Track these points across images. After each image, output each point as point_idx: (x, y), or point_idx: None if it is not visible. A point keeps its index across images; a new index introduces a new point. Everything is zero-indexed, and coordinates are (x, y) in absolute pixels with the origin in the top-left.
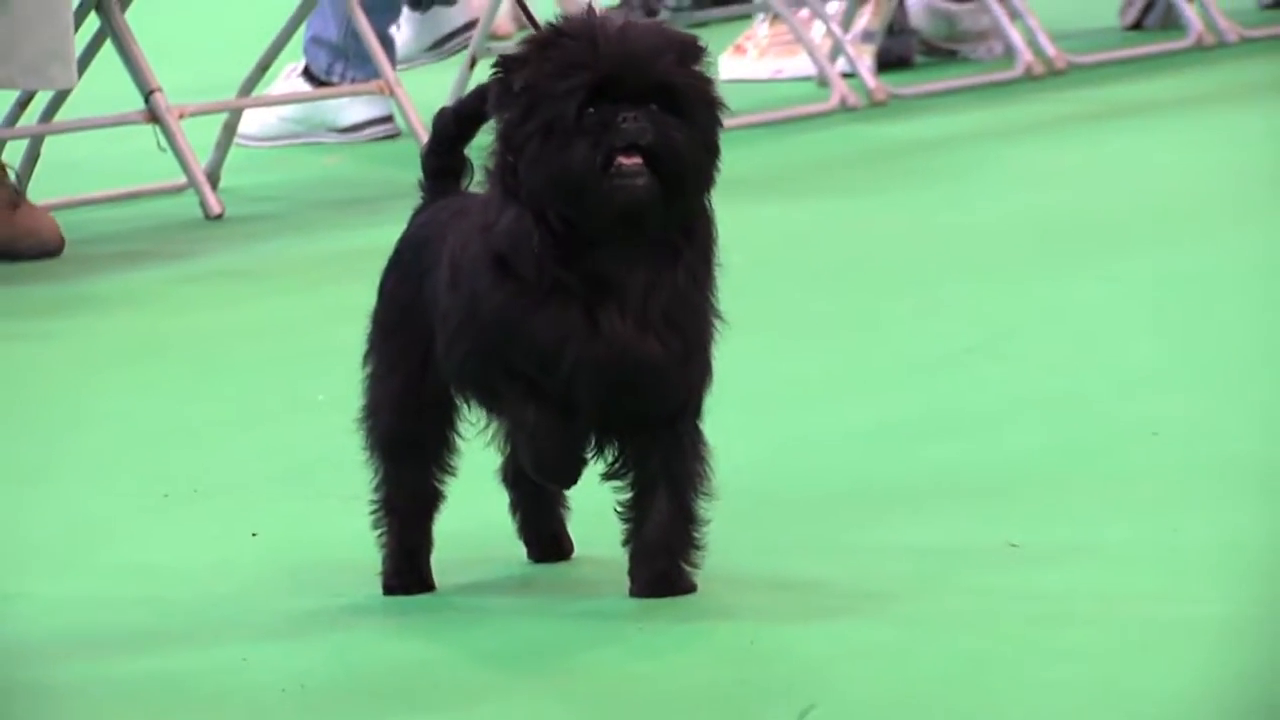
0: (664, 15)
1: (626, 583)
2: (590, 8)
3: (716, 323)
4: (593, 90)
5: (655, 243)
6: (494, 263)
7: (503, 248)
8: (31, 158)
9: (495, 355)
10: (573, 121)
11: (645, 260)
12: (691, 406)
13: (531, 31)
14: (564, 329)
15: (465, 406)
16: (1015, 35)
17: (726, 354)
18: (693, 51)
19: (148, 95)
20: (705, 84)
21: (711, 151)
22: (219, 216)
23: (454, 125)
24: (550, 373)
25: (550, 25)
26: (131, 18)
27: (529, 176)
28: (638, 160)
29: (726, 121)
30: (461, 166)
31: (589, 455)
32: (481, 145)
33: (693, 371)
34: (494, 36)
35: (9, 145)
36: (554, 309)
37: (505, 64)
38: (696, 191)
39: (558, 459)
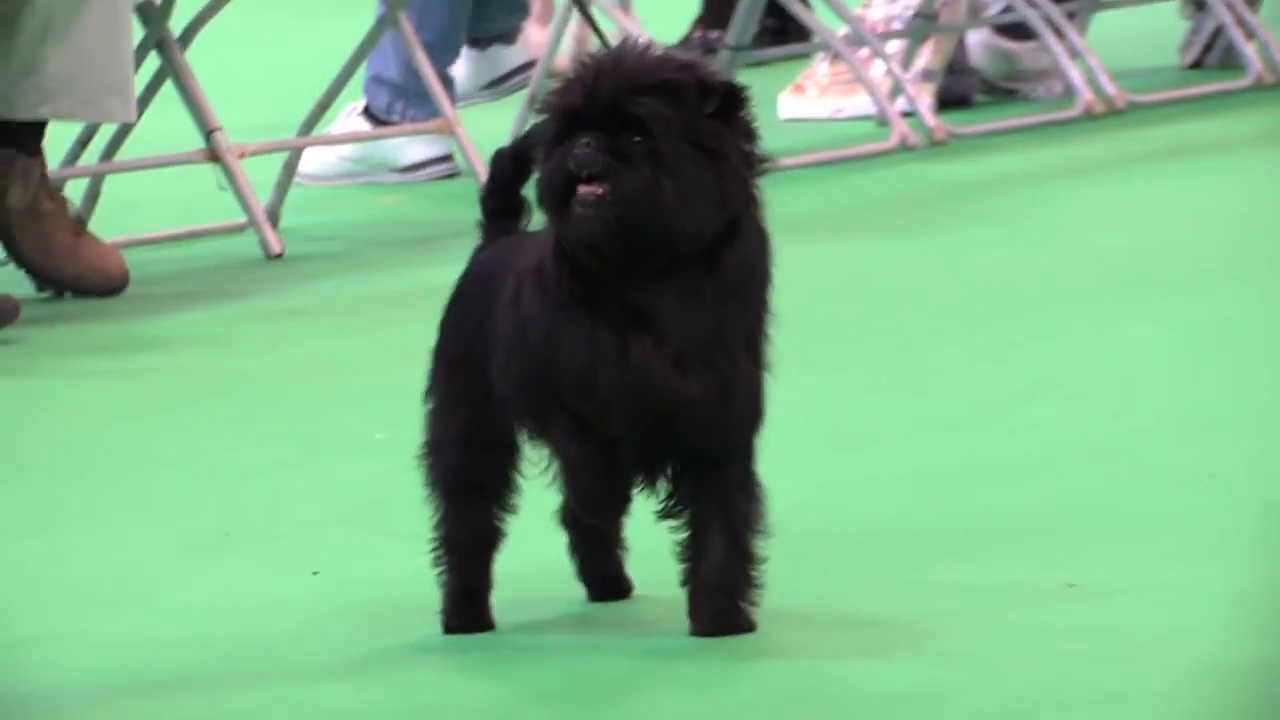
0: (723, 54)
1: (686, 622)
2: (625, 41)
3: (763, 365)
4: (565, 118)
5: (679, 274)
6: (540, 285)
7: (539, 262)
8: (92, 196)
9: (541, 376)
10: (545, 154)
11: (671, 291)
12: (743, 448)
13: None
14: (595, 351)
15: (526, 444)
16: (1075, 74)
17: (781, 394)
18: (682, 87)
19: (208, 134)
20: (689, 123)
21: (688, 193)
22: (279, 256)
23: (510, 165)
24: (585, 399)
25: (583, 58)
26: (192, 56)
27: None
28: (594, 190)
29: (786, 161)
30: (520, 206)
31: (638, 492)
32: None
33: (734, 411)
34: (554, 75)
35: (70, 184)
36: (584, 329)
37: (544, 96)
38: (656, 228)
39: (599, 494)
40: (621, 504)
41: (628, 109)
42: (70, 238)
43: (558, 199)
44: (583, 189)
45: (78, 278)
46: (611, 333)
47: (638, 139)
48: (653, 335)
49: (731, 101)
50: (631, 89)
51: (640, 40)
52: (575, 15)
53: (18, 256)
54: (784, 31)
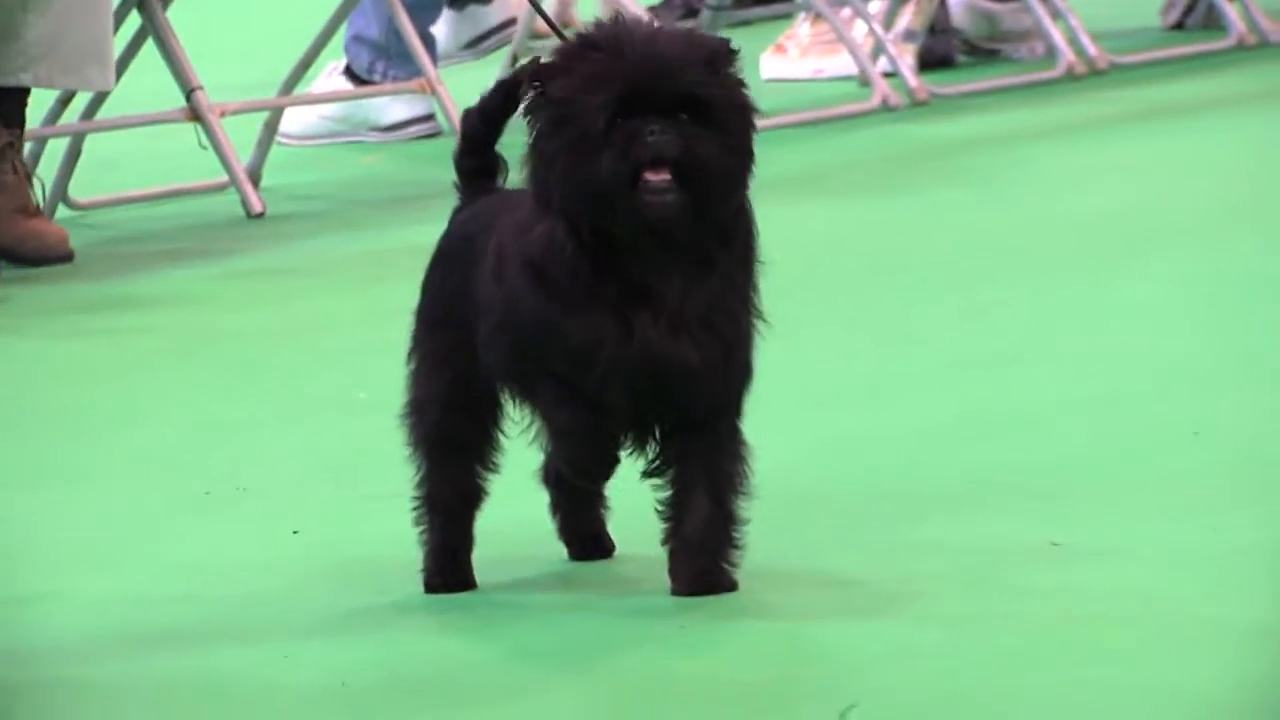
0: (705, 14)
1: (667, 581)
2: (618, 16)
3: (756, 324)
4: (620, 104)
5: (690, 249)
6: (528, 267)
7: (536, 256)
8: (72, 155)
9: (532, 353)
10: (600, 136)
11: (680, 267)
12: (731, 407)
13: (562, 41)
14: (597, 333)
15: (509, 404)
16: (1057, 35)
17: (766, 354)
18: (722, 57)
19: (189, 93)
20: (734, 90)
21: (743, 158)
22: (260, 215)
23: (481, 125)
24: (584, 375)
25: (579, 36)
26: (173, 15)
27: (559, 191)
28: (665, 175)
29: (767, 121)
30: (495, 164)
31: (628, 454)
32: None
33: (731, 374)
34: (535, 35)
35: (50, 143)
36: (588, 314)
37: (537, 75)
38: (727, 201)
39: (590, 458)
40: (611, 466)
41: (689, 90)
42: (20, 214)
43: (623, 185)
44: (653, 177)
45: (17, 241)
46: (614, 313)
47: (684, 117)
48: (653, 307)
49: (733, 56)
50: (680, 67)
51: (636, 15)
52: None
53: None
54: None
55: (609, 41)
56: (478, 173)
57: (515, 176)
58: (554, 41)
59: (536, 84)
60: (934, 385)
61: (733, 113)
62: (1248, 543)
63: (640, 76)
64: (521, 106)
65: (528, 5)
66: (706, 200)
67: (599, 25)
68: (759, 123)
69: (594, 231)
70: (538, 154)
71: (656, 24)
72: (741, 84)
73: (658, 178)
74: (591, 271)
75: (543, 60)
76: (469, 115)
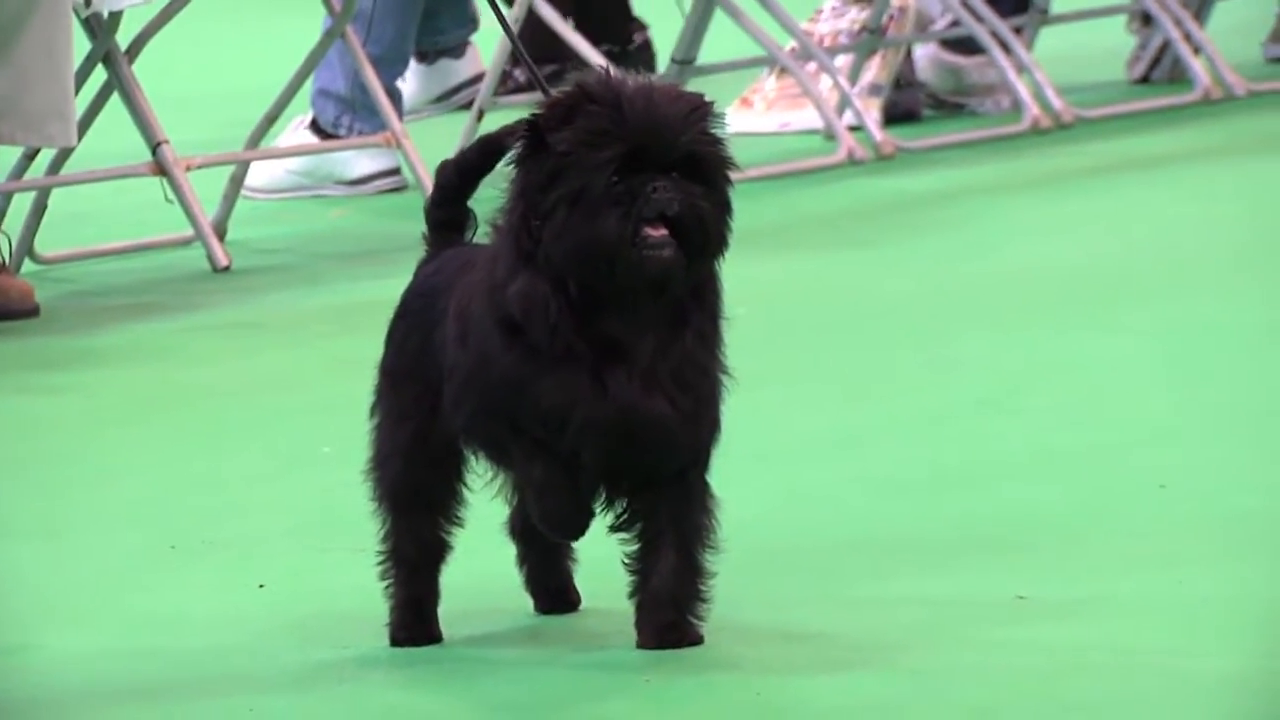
0: (671, 69)
1: (633, 634)
2: (608, 70)
3: (724, 379)
4: (624, 160)
5: (664, 305)
6: (503, 326)
7: (515, 312)
8: (38, 210)
9: (502, 413)
10: (602, 192)
11: (654, 323)
12: (699, 460)
13: (557, 94)
14: (572, 393)
15: (473, 458)
16: (1022, 89)
17: (734, 407)
18: (714, 116)
19: (155, 147)
20: (724, 149)
21: (728, 213)
22: (226, 269)
23: (456, 178)
24: (557, 434)
25: (576, 88)
26: (139, 70)
27: (554, 244)
28: (664, 231)
29: (734, 175)
30: (465, 218)
31: (597, 508)
32: (484, 198)
33: (701, 428)
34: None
35: (15, 198)
36: (563, 374)
37: (535, 125)
38: (715, 255)
39: (565, 513)
40: (586, 521)
41: (690, 147)
42: None
43: (626, 242)
44: (653, 233)
45: None
46: (588, 371)
47: (675, 174)
48: (627, 364)
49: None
50: (681, 124)
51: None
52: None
53: None
54: None
55: (608, 96)
56: (447, 225)
57: (484, 232)
58: (522, 97)
59: (530, 134)
60: (900, 438)
61: (720, 170)
62: (1214, 595)
63: (643, 134)
64: (513, 155)
65: (493, 60)
66: (698, 255)
67: (594, 78)
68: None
69: (581, 287)
70: (528, 206)
71: (647, 78)
72: (725, 141)
73: (657, 233)
74: (572, 329)
75: (540, 111)
76: (445, 167)
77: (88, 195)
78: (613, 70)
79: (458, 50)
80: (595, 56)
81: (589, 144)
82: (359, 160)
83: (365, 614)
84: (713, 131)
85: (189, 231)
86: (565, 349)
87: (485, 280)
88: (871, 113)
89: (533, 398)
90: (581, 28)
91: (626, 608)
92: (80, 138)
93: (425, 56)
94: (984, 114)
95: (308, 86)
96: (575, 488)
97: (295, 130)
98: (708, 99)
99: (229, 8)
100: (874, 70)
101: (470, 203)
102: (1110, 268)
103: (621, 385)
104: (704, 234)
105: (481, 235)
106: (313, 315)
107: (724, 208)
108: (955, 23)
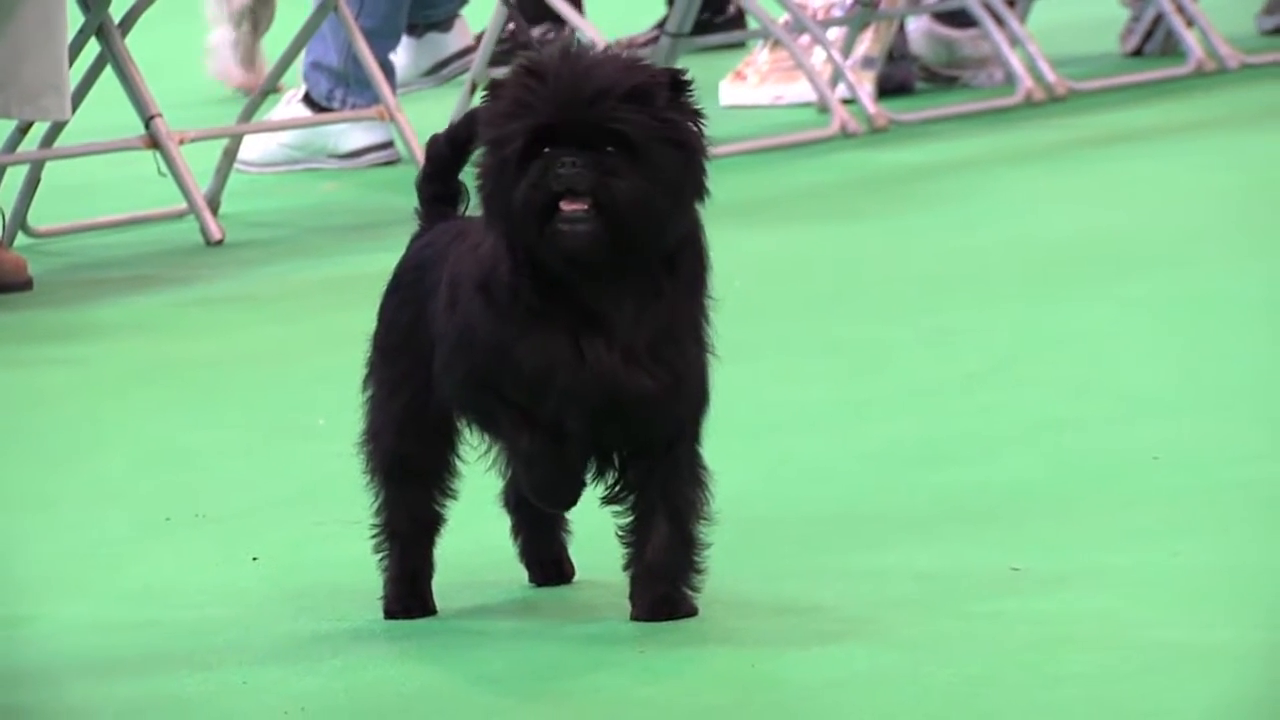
0: (664, 42)
1: (627, 606)
2: (567, 44)
3: (708, 351)
4: (535, 134)
5: (638, 274)
6: (479, 287)
7: (482, 273)
8: (32, 184)
9: (489, 380)
10: (514, 164)
11: (629, 292)
12: (689, 433)
13: (519, 61)
14: (550, 357)
15: (466, 430)
16: (1015, 61)
17: (726, 380)
18: (654, 90)
19: (148, 121)
20: (665, 123)
21: (673, 191)
22: (219, 242)
23: (447, 151)
24: (539, 401)
25: (522, 61)
26: (131, 43)
27: (487, 210)
28: (580, 205)
29: (725, 148)
30: (457, 192)
31: (588, 479)
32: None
33: (683, 401)
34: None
35: (9, 171)
36: (539, 336)
37: (490, 91)
38: (650, 234)
39: (554, 483)
40: (576, 491)
41: (607, 123)
42: None
43: (539, 215)
44: (568, 206)
45: None
46: (565, 336)
47: (610, 149)
48: (605, 333)
49: (679, 88)
50: (603, 99)
51: (578, 41)
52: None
53: None
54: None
55: (541, 70)
56: (439, 199)
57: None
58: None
59: (486, 98)
60: (894, 410)
61: (660, 146)
62: (1207, 566)
63: (560, 107)
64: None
65: (487, 33)
66: (626, 232)
67: (544, 54)
68: (715, 150)
69: (527, 251)
70: (477, 171)
71: (606, 52)
72: (684, 116)
73: (572, 208)
74: (534, 292)
75: (497, 78)
76: (435, 141)
77: (82, 168)
78: (570, 44)
79: (446, 24)
80: (585, 25)
81: (510, 115)
82: (352, 133)
83: (359, 587)
84: (650, 105)
85: (182, 205)
86: (532, 310)
87: (471, 245)
88: (865, 86)
89: (514, 362)
90: None
91: (621, 580)
92: (74, 111)
93: (414, 29)
94: (977, 87)
95: (300, 59)
96: (563, 458)
97: (288, 104)
98: (668, 73)
99: None
100: (867, 43)
101: (462, 176)
102: (1104, 240)
103: (600, 356)
104: (626, 211)
105: (474, 208)
106: (306, 288)
107: (662, 183)
108: None
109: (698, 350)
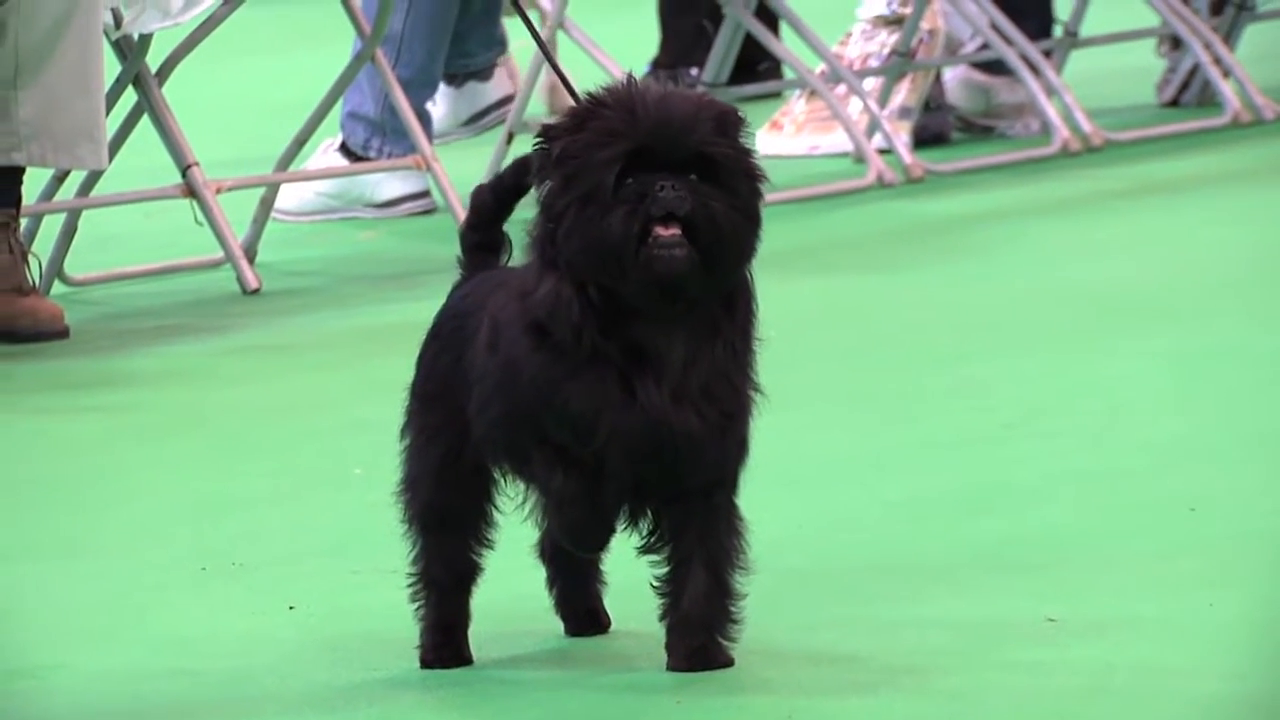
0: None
1: (664, 657)
2: (630, 78)
3: (754, 397)
4: (630, 159)
5: (695, 314)
6: (532, 329)
7: (541, 315)
8: (68, 232)
9: (528, 420)
10: (610, 191)
11: (685, 332)
12: (727, 480)
13: (586, 99)
14: (600, 398)
15: (503, 479)
16: (1052, 111)
17: (763, 429)
18: (731, 121)
19: (185, 170)
20: (743, 154)
21: (751, 221)
22: (256, 291)
23: (492, 201)
24: (585, 442)
25: (590, 95)
26: (169, 92)
27: (566, 245)
28: (675, 230)
29: (763, 189)
30: (500, 242)
31: (622, 527)
32: (519, 220)
33: (728, 445)
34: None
35: (45, 219)
36: (591, 378)
37: (547, 133)
38: (736, 262)
39: (585, 524)
40: (607, 534)
41: (700, 147)
42: (14, 294)
43: (632, 240)
44: (664, 232)
45: (10, 319)
46: (617, 377)
47: (693, 176)
48: (656, 373)
49: (743, 124)
50: (693, 125)
51: (645, 80)
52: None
53: None
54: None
55: (621, 100)
56: (481, 248)
57: (518, 256)
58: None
59: (542, 143)
60: (930, 460)
61: (741, 175)
62: (1242, 617)
63: (651, 133)
64: (534, 168)
65: (523, 83)
66: (716, 259)
67: (610, 87)
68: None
69: (601, 290)
70: (547, 211)
71: (668, 86)
72: (749, 150)
73: (668, 233)
74: (597, 332)
75: (552, 120)
76: (481, 190)
77: (118, 217)
78: (634, 79)
79: (485, 73)
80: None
81: (598, 144)
82: (389, 183)
83: (395, 636)
84: (731, 136)
85: (219, 254)
86: (592, 350)
87: (516, 290)
88: (901, 136)
89: (561, 401)
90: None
91: (657, 630)
92: (110, 159)
93: (453, 79)
94: (1013, 137)
95: (338, 109)
96: (596, 499)
97: (325, 153)
98: (733, 108)
99: (259, 31)
100: (903, 93)
101: (506, 227)
102: (1140, 291)
103: (651, 395)
104: (718, 236)
105: (516, 259)
106: (342, 337)
107: (744, 213)
108: (985, 45)
109: (749, 391)
